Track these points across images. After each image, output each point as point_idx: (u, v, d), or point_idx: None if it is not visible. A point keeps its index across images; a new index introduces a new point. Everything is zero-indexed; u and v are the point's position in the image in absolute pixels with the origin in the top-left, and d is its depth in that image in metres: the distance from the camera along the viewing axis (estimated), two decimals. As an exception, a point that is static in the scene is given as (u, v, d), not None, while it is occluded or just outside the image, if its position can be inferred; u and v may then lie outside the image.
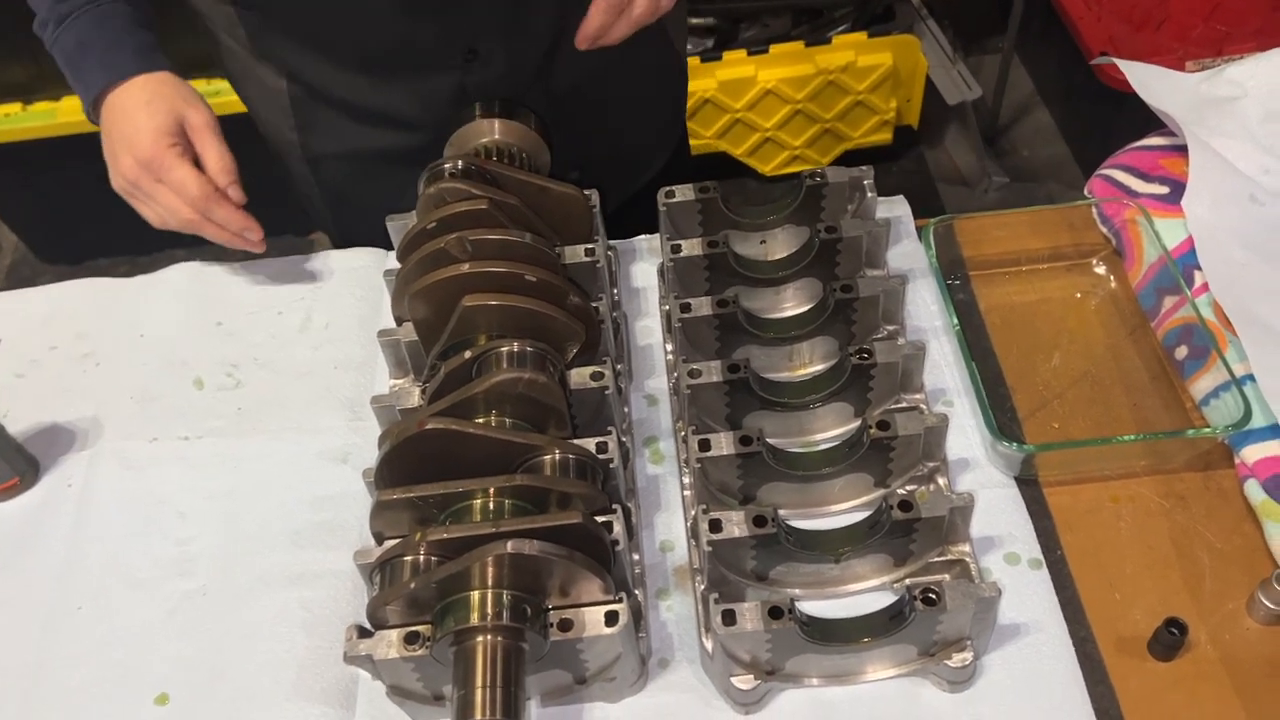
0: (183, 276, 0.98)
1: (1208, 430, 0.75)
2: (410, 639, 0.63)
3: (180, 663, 0.73)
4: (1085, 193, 0.94)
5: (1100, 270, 0.89)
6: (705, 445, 0.71)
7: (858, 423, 0.74)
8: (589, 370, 0.75)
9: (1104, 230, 0.89)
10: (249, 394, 0.89)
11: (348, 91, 0.93)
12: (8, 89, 2.00)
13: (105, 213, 2.26)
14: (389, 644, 0.63)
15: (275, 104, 0.97)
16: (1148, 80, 0.92)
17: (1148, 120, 0.95)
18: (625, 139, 1.07)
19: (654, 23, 0.81)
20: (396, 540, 0.67)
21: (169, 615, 0.76)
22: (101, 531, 0.81)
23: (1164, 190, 0.89)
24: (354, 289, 0.96)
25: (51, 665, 0.74)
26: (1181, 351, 0.80)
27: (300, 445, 0.84)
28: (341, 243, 1.05)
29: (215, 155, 0.87)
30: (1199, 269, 0.83)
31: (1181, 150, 0.89)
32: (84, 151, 2.01)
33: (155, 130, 0.85)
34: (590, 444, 0.71)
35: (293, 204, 1.11)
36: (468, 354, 0.72)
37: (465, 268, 0.74)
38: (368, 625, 0.64)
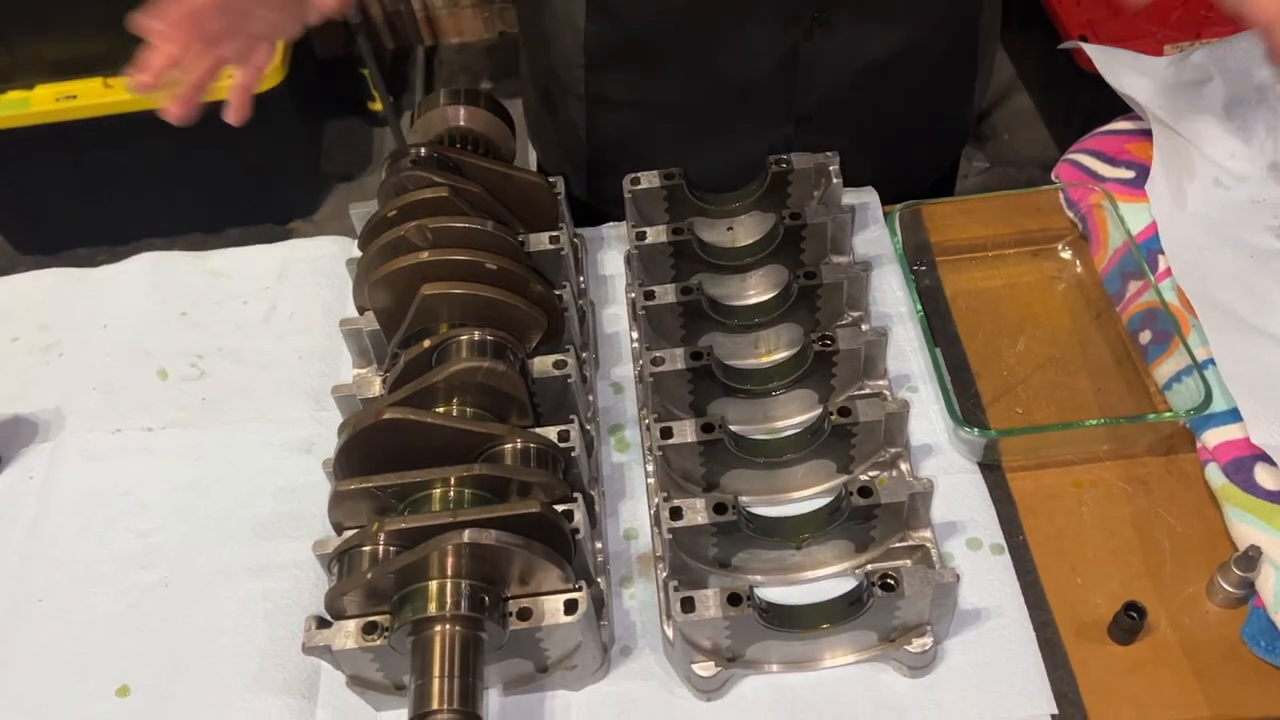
0: (147, 266, 0.98)
1: (1169, 415, 0.75)
2: (369, 629, 0.63)
3: (141, 655, 0.73)
4: (1052, 177, 0.94)
5: (1066, 255, 0.89)
6: (667, 433, 0.71)
7: (820, 409, 0.74)
8: (552, 359, 0.74)
9: (1070, 215, 0.89)
10: (213, 384, 0.88)
11: (663, 39, 0.87)
12: (-21, 77, 1.98)
13: (80, 202, 2.27)
14: (347, 634, 0.63)
15: (569, 39, 0.91)
16: (1114, 65, 0.91)
17: (1126, 104, 0.94)
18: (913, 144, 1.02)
19: None
20: (356, 530, 0.67)
21: (130, 608, 0.75)
22: (63, 524, 0.80)
23: (1130, 175, 0.89)
24: (319, 278, 0.95)
25: (11, 659, 0.73)
26: (1145, 336, 0.80)
27: (264, 436, 0.84)
28: (589, 195, 1.00)
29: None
30: (1163, 253, 0.83)
31: (1148, 134, 0.89)
32: (58, 141, 2.03)
33: None
34: (552, 433, 0.71)
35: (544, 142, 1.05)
36: (427, 343, 0.72)
37: (425, 255, 0.74)
38: (327, 616, 0.64)
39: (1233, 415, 0.74)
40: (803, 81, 0.89)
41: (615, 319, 0.90)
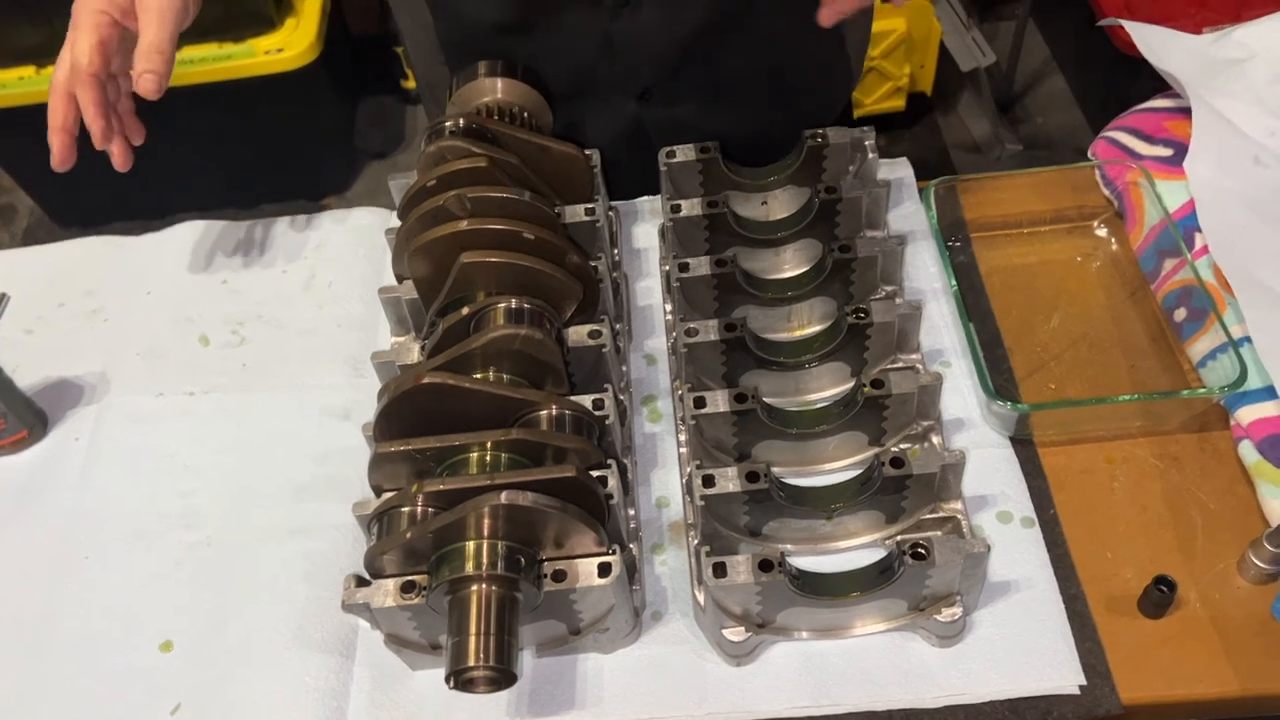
0: (189, 234, 0.99)
1: (1203, 391, 0.75)
2: (407, 588, 0.64)
3: (184, 611, 0.75)
4: (1088, 155, 0.93)
5: (1101, 233, 0.89)
6: (700, 402, 0.72)
7: (853, 382, 0.74)
8: (587, 328, 0.75)
9: (1106, 192, 0.89)
10: (253, 351, 0.90)
11: (500, 32, 0.89)
12: (20, 52, 2.01)
13: (117, 178, 2.28)
14: (386, 593, 0.64)
15: (427, 37, 0.95)
16: (1154, 42, 0.91)
17: (1162, 86, 0.94)
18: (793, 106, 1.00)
19: None
20: (394, 492, 0.68)
21: (174, 565, 0.77)
22: (108, 484, 0.82)
23: (1168, 153, 0.89)
24: (357, 248, 0.96)
25: (58, 613, 0.75)
26: (1180, 313, 0.80)
27: (303, 401, 0.86)
28: None
29: (151, 32, 0.74)
30: (1200, 231, 0.83)
31: (1187, 112, 0.89)
32: (97, 115, 2.04)
33: None
34: (587, 401, 0.72)
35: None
36: (465, 310, 0.73)
37: (464, 225, 0.75)
38: (366, 575, 0.65)
39: (1268, 393, 0.73)
40: (625, 58, 0.90)
41: (649, 291, 0.90)
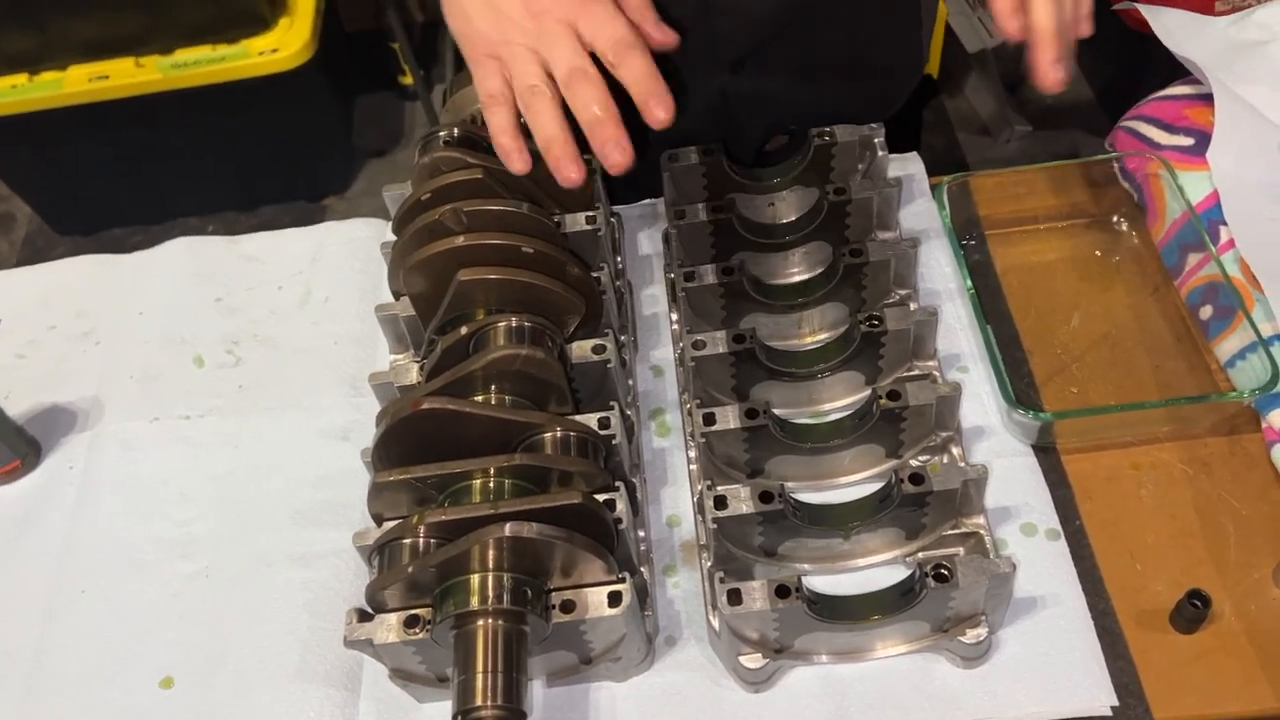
0: (181, 251, 0.97)
1: (1234, 394, 0.72)
2: (410, 623, 0.62)
3: (184, 645, 0.73)
4: (1106, 146, 0.90)
5: (1121, 227, 0.86)
6: (710, 419, 0.69)
7: (868, 392, 0.71)
8: (590, 343, 0.73)
9: (1125, 185, 0.86)
10: (249, 371, 0.87)
11: None
12: (13, 59, 1.98)
13: (115, 183, 2.27)
14: (389, 628, 0.62)
15: None
16: (1172, 25, 0.88)
17: (1175, 66, 0.90)
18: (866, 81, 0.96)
19: None
20: (396, 521, 0.66)
21: (172, 597, 0.75)
22: (103, 513, 0.80)
23: (1189, 142, 0.86)
24: (353, 262, 0.94)
25: (55, 649, 0.73)
26: (1206, 311, 0.77)
27: (301, 423, 0.83)
28: None
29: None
30: (1225, 224, 0.79)
31: (1207, 99, 0.85)
32: (92, 122, 2.02)
33: None
34: (592, 420, 0.69)
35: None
36: (464, 330, 0.70)
37: (460, 240, 0.72)
38: (368, 608, 0.63)
39: (1301, 394, 0.71)
40: (724, 25, 0.86)
41: (654, 300, 0.88)
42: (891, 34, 0.97)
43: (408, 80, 2.38)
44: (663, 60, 0.83)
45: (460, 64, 0.85)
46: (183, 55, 1.95)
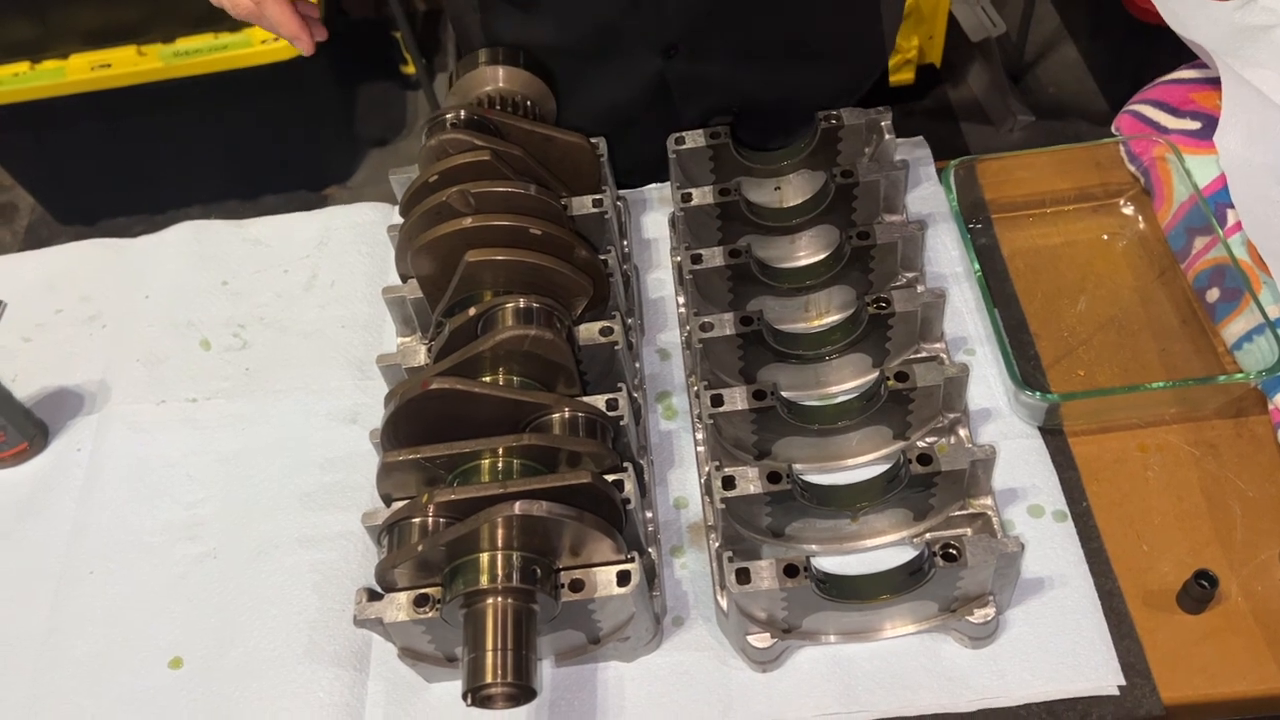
0: (187, 235, 0.97)
1: (1240, 376, 0.72)
2: (420, 602, 0.62)
3: (192, 626, 0.73)
4: (1112, 130, 0.90)
5: (1128, 211, 0.86)
6: (718, 400, 0.70)
7: (875, 374, 0.71)
8: (598, 325, 0.73)
9: (1132, 169, 0.86)
10: (256, 354, 0.88)
11: None
12: (14, 48, 1.98)
13: (118, 172, 2.27)
14: (398, 607, 0.62)
15: None
16: (1179, 9, 0.87)
17: (1179, 53, 0.90)
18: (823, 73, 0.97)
19: None
20: (405, 501, 0.66)
21: (180, 579, 0.75)
22: (111, 496, 0.80)
23: (1195, 125, 0.86)
24: (360, 245, 0.94)
25: (64, 630, 0.74)
26: (1213, 294, 0.77)
27: (308, 406, 0.83)
28: None
29: None
30: (1232, 207, 0.79)
31: (1214, 83, 0.85)
32: (94, 111, 2.02)
33: None
34: (600, 401, 0.69)
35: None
36: (472, 311, 0.70)
37: (468, 222, 0.72)
38: (377, 588, 0.63)
39: (1308, 376, 0.71)
40: (654, 8, 0.86)
41: (660, 283, 0.88)
42: (840, 21, 0.95)
43: (410, 69, 2.37)
44: (598, 45, 0.83)
45: (462, 52, 0.85)
46: (185, 43, 1.95)
